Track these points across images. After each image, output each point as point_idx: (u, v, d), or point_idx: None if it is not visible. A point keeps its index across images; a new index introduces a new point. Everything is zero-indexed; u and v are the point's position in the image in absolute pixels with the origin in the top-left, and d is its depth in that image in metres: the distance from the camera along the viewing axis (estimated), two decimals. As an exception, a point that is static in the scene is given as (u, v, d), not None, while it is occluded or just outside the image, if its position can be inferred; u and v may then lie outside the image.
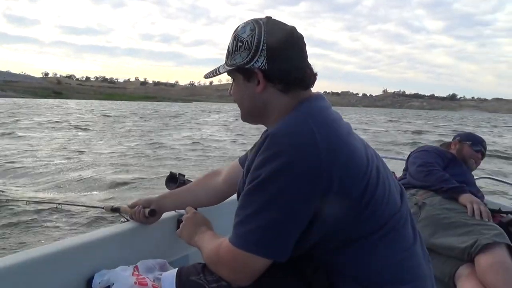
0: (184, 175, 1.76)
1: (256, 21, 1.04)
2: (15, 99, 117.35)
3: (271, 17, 1.06)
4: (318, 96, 1.06)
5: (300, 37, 1.05)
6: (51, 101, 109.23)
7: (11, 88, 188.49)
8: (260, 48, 1.00)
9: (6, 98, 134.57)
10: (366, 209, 0.93)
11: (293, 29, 1.04)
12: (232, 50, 1.05)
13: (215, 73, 1.13)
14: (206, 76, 1.17)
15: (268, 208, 0.89)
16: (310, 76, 1.04)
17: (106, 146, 14.23)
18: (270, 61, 1.00)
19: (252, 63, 1.01)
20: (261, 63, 1.00)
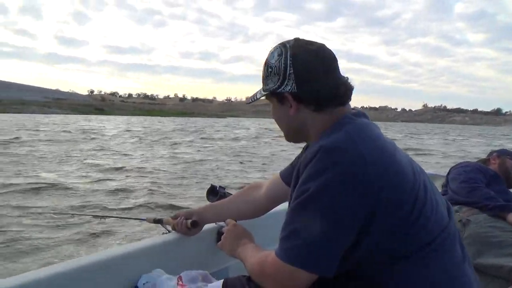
0: (224, 188, 1.82)
1: (283, 45, 1.07)
2: (60, 116, 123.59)
3: (299, 38, 1.07)
4: (359, 112, 1.07)
5: (330, 54, 1.05)
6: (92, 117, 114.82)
7: (56, 106, 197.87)
8: (288, 72, 1.03)
9: (49, 114, 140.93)
10: (415, 225, 0.92)
11: (320, 48, 1.05)
12: (265, 76, 1.10)
13: (253, 98, 1.19)
14: (247, 102, 1.24)
15: (315, 222, 0.89)
16: (344, 92, 1.05)
17: (143, 160, 15.14)
18: (298, 84, 1.02)
19: (282, 87, 1.04)
20: (291, 87, 1.03)
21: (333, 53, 1.06)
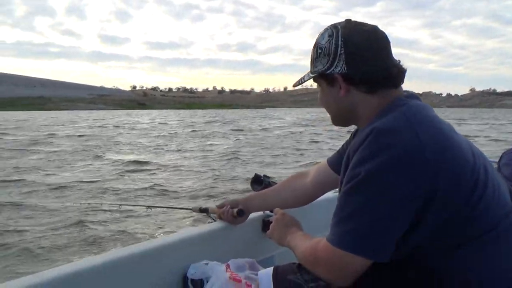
0: (268, 177, 1.79)
1: (334, 26, 1.04)
2: (104, 111, 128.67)
3: (350, 20, 1.05)
4: (412, 94, 1.03)
5: (382, 36, 1.02)
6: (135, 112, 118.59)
7: (102, 101, 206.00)
8: (338, 53, 1.00)
9: (94, 110, 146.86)
10: (475, 210, 0.88)
11: (373, 29, 1.02)
12: (313, 57, 1.07)
13: (301, 81, 1.16)
14: (295, 85, 1.21)
15: (368, 207, 0.87)
16: (396, 74, 1.01)
17: (184, 151, 15.09)
18: (349, 65, 0.99)
19: (332, 69, 1.01)
20: (341, 68, 1.00)
21: (385, 35, 1.02)
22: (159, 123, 40.74)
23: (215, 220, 1.64)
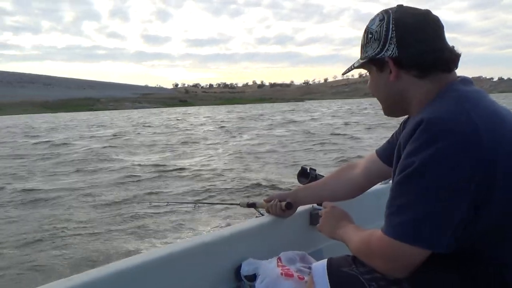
0: (315, 170, 1.78)
1: (385, 11, 1.03)
2: (148, 109, 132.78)
3: (402, 5, 1.03)
4: (466, 79, 1.00)
5: (434, 19, 1.00)
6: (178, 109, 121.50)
7: (145, 100, 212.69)
8: (389, 36, 0.98)
9: (140, 109, 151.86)
10: None
11: (425, 12, 1.01)
12: (364, 43, 1.06)
13: (351, 68, 1.15)
14: (344, 73, 1.21)
15: (423, 196, 0.85)
16: (449, 57, 0.98)
17: (228, 146, 15.00)
18: (400, 48, 0.97)
19: (382, 53, 1.00)
20: (392, 51, 0.98)
21: (438, 19, 1.00)
22: (212, 120, 41.41)
23: (262, 215, 1.65)
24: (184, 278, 1.33)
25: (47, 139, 22.25)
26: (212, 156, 13.34)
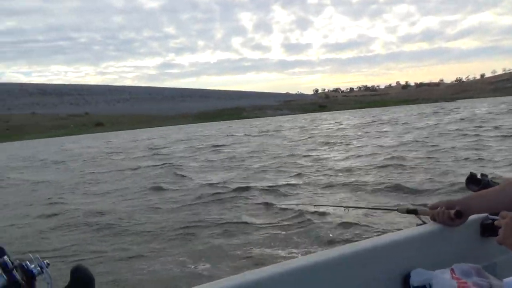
0: (487, 175, 1.67)
1: None
2: (288, 116, 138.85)
3: None
4: None
5: None
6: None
7: (286, 107, 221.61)
8: None
9: (281, 115, 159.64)
10: None
11: None
12: None
13: None
14: None
15: None
16: None
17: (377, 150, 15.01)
18: None
19: None
20: None
21: None
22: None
23: (425, 222, 1.57)
24: (350, 282, 1.33)
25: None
26: (359, 157, 13.29)
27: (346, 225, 5.76)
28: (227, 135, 39.02)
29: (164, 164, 17.14)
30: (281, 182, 10.11)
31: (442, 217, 1.46)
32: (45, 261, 0.93)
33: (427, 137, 18.20)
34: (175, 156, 20.82)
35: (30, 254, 0.93)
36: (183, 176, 12.99)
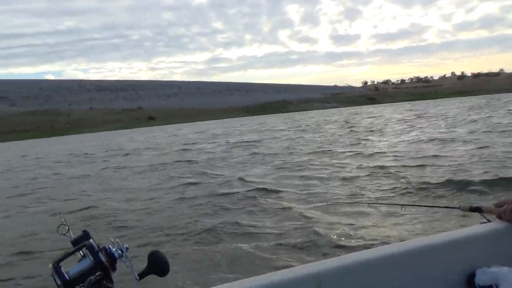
0: None
1: None
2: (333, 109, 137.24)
3: None
4: None
5: None
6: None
7: (334, 100, 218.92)
8: None
9: (328, 108, 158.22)
10: None
11: None
12: None
13: None
14: None
15: None
16: None
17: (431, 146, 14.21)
18: None
19: None
20: None
21: None
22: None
23: (489, 221, 1.54)
24: (411, 280, 1.33)
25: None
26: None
27: (402, 223, 5.58)
28: (268, 129, 39.24)
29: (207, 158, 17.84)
30: (328, 178, 9.91)
31: (509, 215, 1.43)
32: (124, 245, 1.01)
33: (479, 132, 17.19)
34: (216, 151, 21.26)
35: (111, 238, 1.01)
36: (208, 173, 12.95)
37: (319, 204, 7.18)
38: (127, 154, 25.54)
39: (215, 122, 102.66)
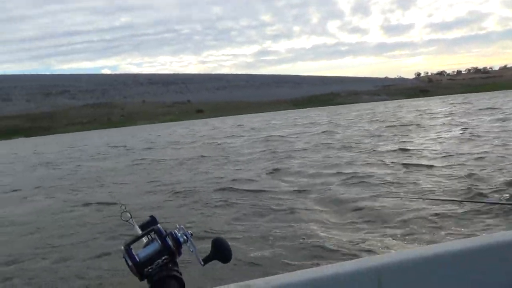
0: None
1: None
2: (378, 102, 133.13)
3: None
4: None
5: None
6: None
7: (384, 92, 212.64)
8: None
9: (378, 101, 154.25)
10: None
11: None
12: None
13: None
14: None
15: None
16: None
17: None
18: None
19: None
20: None
21: None
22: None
23: None
24: (481, 276, 1.29)
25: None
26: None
27: (444, 219, 5.50)
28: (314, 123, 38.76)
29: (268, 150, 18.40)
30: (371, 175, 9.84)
31: None
32: (189, 231, 1.03)
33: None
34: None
35: (176, 224, 1.04)
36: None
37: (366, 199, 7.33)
38: (149, 148, 27.24)
39: (259, 115, 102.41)
